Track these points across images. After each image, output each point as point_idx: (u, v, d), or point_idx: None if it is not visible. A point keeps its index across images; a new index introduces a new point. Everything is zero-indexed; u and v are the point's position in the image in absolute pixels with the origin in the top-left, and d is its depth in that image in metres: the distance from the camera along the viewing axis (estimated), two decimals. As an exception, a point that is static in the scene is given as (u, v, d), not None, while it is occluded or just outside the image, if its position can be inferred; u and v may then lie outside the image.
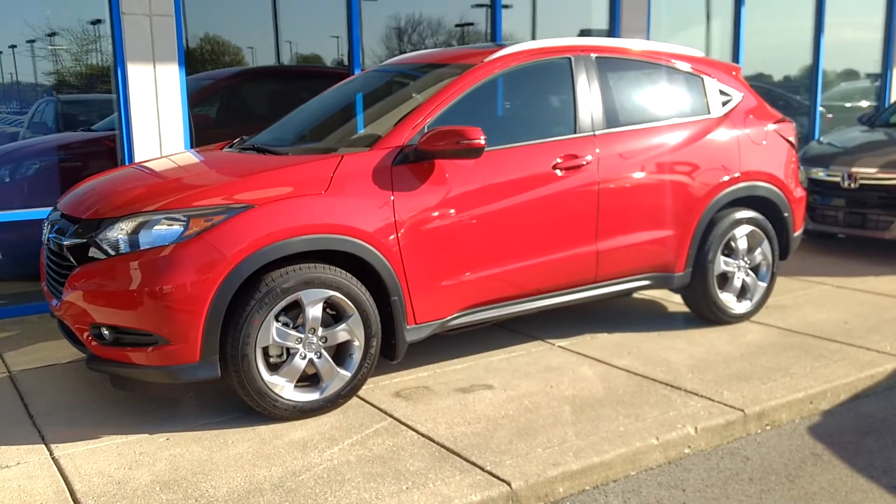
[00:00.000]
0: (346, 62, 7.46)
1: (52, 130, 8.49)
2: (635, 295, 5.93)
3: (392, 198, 4.05)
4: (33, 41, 9.92)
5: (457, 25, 8.63)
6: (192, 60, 6.74)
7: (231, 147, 4.97)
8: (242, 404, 3.94)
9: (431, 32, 8.51)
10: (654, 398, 4.14)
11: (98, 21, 7.69)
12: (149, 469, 3.45)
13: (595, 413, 3.97)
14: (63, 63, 11.03)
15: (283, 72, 8.12)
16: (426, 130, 4.18)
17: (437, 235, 4.18)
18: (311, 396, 3.95)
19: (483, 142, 4.04)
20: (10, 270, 6.82)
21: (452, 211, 4.21)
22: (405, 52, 5.96)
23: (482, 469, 3.39)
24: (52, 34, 9.77)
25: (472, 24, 8.56)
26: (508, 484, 3.28)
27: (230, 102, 7.89)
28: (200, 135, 6.52)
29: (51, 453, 3.62)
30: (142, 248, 3.73)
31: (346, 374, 4.01)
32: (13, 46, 10.51)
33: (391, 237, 4.03)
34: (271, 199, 3.84)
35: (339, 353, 4.04)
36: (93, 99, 9.71)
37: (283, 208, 3.84)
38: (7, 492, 3.27)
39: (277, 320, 3.82)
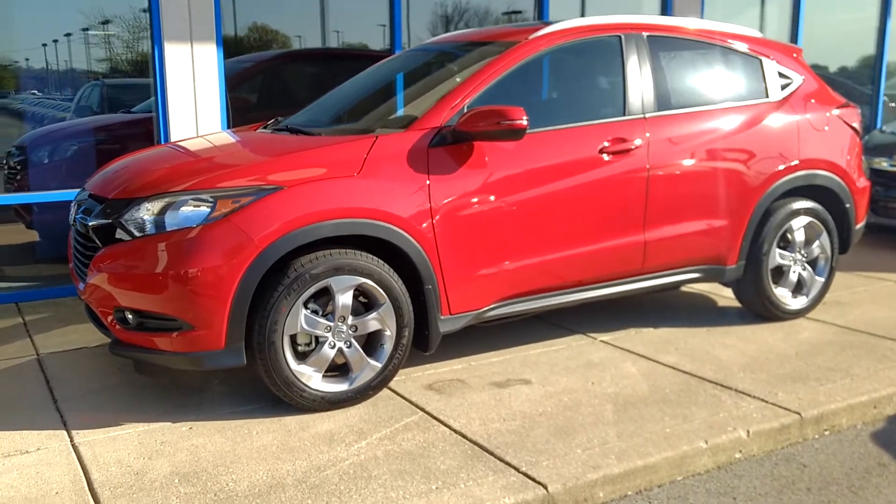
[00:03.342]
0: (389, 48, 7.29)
1: (97, 113, 8.48)
2: (682, 288, 5.66)
3: (428, 181, 3.85)
4: (86, 29, 9.94)
5: (504, 13, 8.42)
6: (228, 45, 6.62)
7: (265, 128, 4.82)
8: (269, 393, 3.79)
9: (478, 20, 8.31)
10: (703, 398, 3.89)
11: (146, 10, 7.63)
12: (169, 459, 3.32)
13: (639, 413, 3.73)
14: (111, 49, 11.04)
15: (324, 54, 7.97)
16: (465, 111, 3.97)
17: (475, 222, 3.97)
18: (339, 387, 3.78)
19: (525, 123, 3.81)
20: (48, 252, 6.79)
21: (491, 196, 4.00)
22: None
23: (517, 470, 3.19)
24: (104, 22, 9.76)
25: (519, 11, 8.34)
26: (545, 487, 3.07)
27: (270, 85, 7.76)
28: (239, 117, 6.40)
29: (71, 440, 3.50)
30: (168, 230, 3.59)
31: (377, 364, 3.84)
32: (68, 35, 10.55)
33: (426, 223, 3.83)
34: (301, 180, 3.67)
35: (370, 343, 3.86)
36: (136, 83, 9.69)
37: (314, 191, 3.66)
38: (25, 478, 3.16)
39: (306, 307, 3.66)
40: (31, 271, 6.58)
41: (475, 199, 3.96)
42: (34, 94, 12.67)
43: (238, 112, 6.53)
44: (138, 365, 3.93)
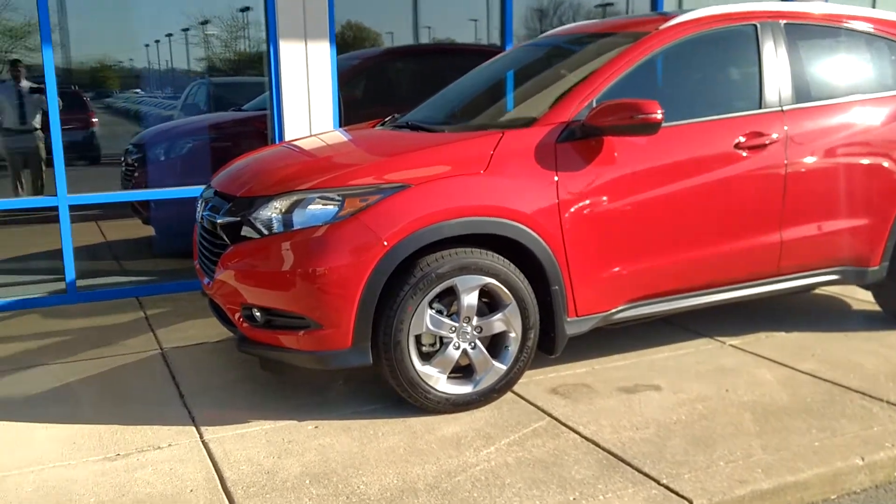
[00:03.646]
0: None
1: (204, 112, 8.67)
2: (813, 291, 5.36)
3: (556, 178, 3.72)
4: (187, 29, 10.17)
5: (596, 6, 8.21)
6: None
7: (383, 125, 4.78)
8: (391, 393, 3.73)
9: (572, 14, 8.13)
10: (851, 410, 3.64)
11: (247, 8, 7.73)
12: (298, 459, 3.30)
13: (781, 424, 3.51)
14: (213, 49, 11.28)
15: (431, 50, 7.92)
16: (595, 105, 3.82)
17: (604, 220, 3.82)
18: (463, 389, 3.70)
19: (661, 117, 3.64)
20: (164, 247, 6.96)
21: (621, 193, 3.84)
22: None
23: (657, 482, 3.03)
24: (205, 21, 9.97)
25: (610, 3, 8.12)
26: (689, 501, 2.91)
27: (377, 81, 7.75)
28: (347, 114, 6.40)
29: (200, 436, 3.53)
30: (295, 228, 3.57)
31: (502, 367, 3.73)
32: (169, 35, 10.84)
33: (554, 221, 3.71)
34: (428, 178, 3.60)
35: (494, 345, 3.76)
36: (242, 81, 9.88)
37: (440, 188, 3.59)
38: (160, 475, 3.19)
39: (431, 307, 3.59)
40: (149, 266, 6.75)
41: (605, 197, 3.81)
42: (136, 92, 13.09)
43: (346, 109, 6.53)
44: (263, 362, 3.94)
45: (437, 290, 3.57)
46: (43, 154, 8.04)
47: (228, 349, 4.55)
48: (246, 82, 9.65)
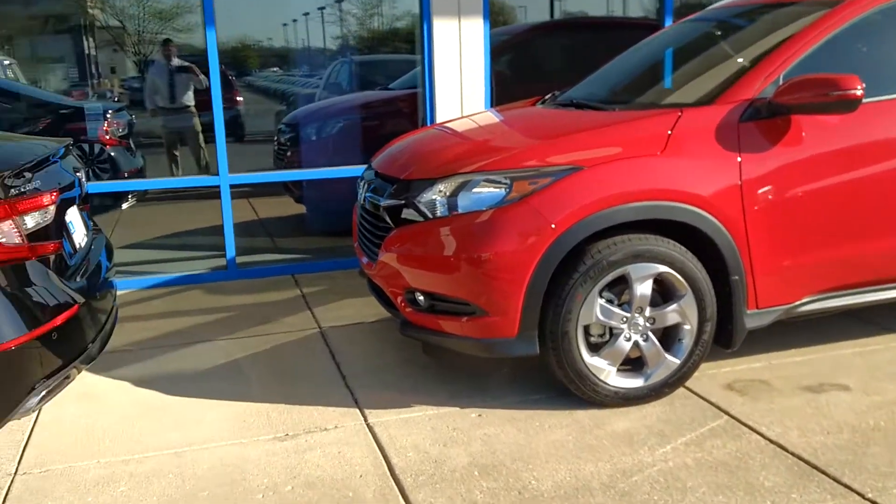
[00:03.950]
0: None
1: (347, 91, 8.75)
2: None
3: (739, 160, 3.46)
4: (323, 8, 10.28)
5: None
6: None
7: (543, 103, 4.61)
8: (554, 383, 3.60)
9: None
10: None
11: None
12: (464, 449, 3.22)
13: None
14: (351, 27, 11.36)
15: (583, 24, 7.67)
16: (781, 81, 3.52)
17: (790, 206, 3.53)
18: (634, 383, 3.52)
19: (861, 93, 3.31)
20: (316, 226, 7.08)
21: (810, 177, 3.54)
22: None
23: (862, 497, 2.77)
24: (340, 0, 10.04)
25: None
26: (899, 520, 2.64)
27: (526, 58, 7.57)
28: (497, 92, 6.27)
29: (365, 419, 3.52)
30: (460, 212, 3.48)
31: (675, 360, 3.53)
32: (306, 14, 11.00)
33: (736, 206, 3.45)
34: (600, 160, 3.42)
35: (666, 337, 3.56)
36: (385, 60, 9.91)
37: (614, 171, 3.40)
38: (328, 458, 3.19)
39: (601, 296, 3.42)
40: (302, 244, 6.88)
41: (791, 181, 3.51)
42: (275, 71, 13.42)
43: (496, 86, 6.40)
44: (425, 346, 3.89)
45: (609, 278, 3.40)
46: (196, 132, 8.35)
47: (386, 330, 4.55)
48: (389, 60, 9.68)
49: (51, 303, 2.88)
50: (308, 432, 3.41)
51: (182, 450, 3.30)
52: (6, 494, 3.00)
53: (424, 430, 3.39)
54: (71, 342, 3.00)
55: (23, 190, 2.88)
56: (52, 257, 2.99)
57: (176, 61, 8.23)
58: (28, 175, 2.98)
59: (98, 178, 7.69)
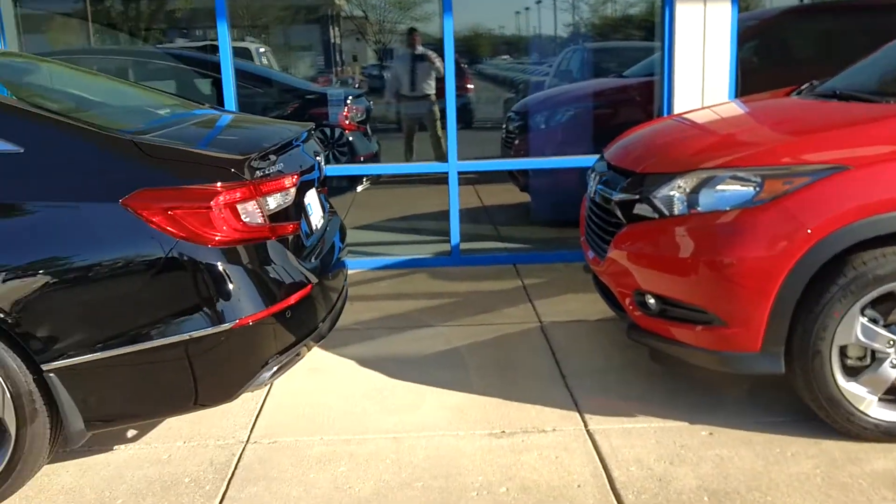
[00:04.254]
0: None
1: (577, 78, 8.53)
2: None
3: None
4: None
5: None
6: None
7: (799, 94, 4.17)
8: (799, 406, 3.24)
9: None
10: None
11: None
12: (693, 469, 2.97)
13: None
14: (584, 14, 11.09)
15: (845, 7, 6.92)
16: None
17: None
18: (898, 416, 3.08)
19: None
20: (540, 215, 6.96)
21: None
22: None
23: None
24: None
25: None
26: None
27: (777, 45, 6.96)
28: (742, 82, 5.79)
29: (584, 424, 3.35)
30: (701, 210, 3.20)
31: (951, 395, 3.04)
32: (539, 1, 10.87)
33: None
34: (871, 159, 3.00)
35: (939, 366, 3.08)
36: (618, 47, 9.58)
37: (888, 172, 2.97)
38: (545, 461, 3.06)
39: (863, 315, 3.01)
40: (525, 233, 6.80)
41: None
42: (505, 59, 13.38)
43: (741, 76, 5.92)
44: (652, 352, 3.66)
45: (874, 294, 2.98)
46: (434, 119, 8.51)
47: (610, 330, 4.34)
48: (622, 47, 9.34)
49: (287, 281, 2.98)
50: (525, 432, 3.30)
51: (400, 435, 3.32)
52: (237, 462, 3.15)
53: (648, 444, 3.16)
54: (303, 320, 3.09)
55: (267, 172, 2.99)
56: (290, 238, 3.09)
57: (420, 50, 8.43)
58: (272, 158, 3.09)
59: (337, 161, 8.07)
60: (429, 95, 8.44)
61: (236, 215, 2.82)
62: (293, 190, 3.13)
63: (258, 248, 2.90)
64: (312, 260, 3.27)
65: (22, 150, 2.72)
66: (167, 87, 7.52)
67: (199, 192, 2.75)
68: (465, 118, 9.65)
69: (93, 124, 2.85)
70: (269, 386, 3.79)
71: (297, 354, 3.10)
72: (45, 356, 2.67)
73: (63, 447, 2.91)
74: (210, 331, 2.75)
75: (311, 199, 3.53)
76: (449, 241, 5.85)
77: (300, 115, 7.92)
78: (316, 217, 3.55)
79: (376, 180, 8.17)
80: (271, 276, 2.92)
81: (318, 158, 3.62)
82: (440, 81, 7.85)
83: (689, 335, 3.27)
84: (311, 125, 3.88)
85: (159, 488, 2.98)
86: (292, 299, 2.97)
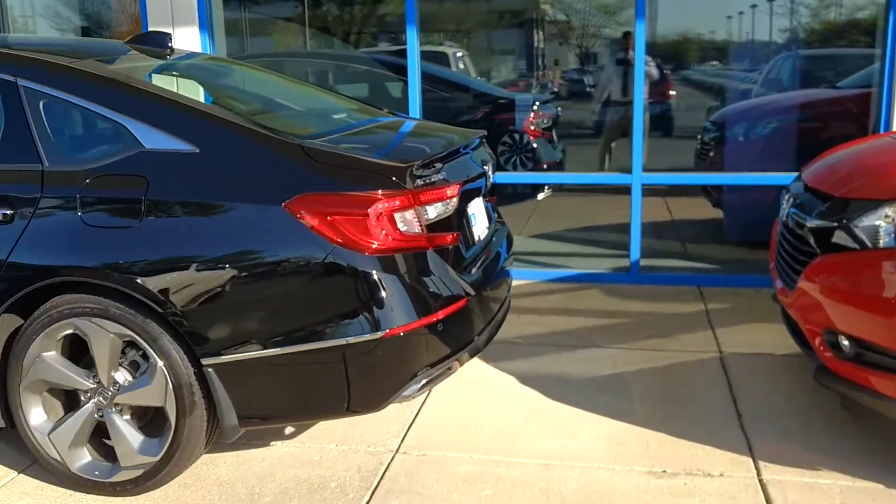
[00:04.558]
0: None
1: (787, 88, 7.89)
2: None
3: None
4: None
5: None
6: None
7: None
8: None
9: None
10: None
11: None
12: (882, 541, 2.58)
13: None
14: (801, 19, 10.27)
15: None
16: None
17: None
18: None
19: None
20: (733, 235, 6.49)
21: None
22: None
23: None
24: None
25: None
26: None
27: None
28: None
29: (758, 473, 3.02)
30: (912, 244, 2.79)
31: None
32: (753, 6, 10.18)
33: None
34: None
35: None
36: (834, 54, 8.77)
37: None
38: (706, 510, 2.79)
39: None
40: (714, 253, 6.36)
41: None
42: (713, 65, 12.65)
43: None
44: (844, 399, 3.25)
45: None
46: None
47: (798, 368, 3.93)
48: (840, 55, 8.55)
49: (441, 293, 2.90)
50: (689, 474, 3.03)
51: (552, 462, 3.15)
52: (384, 472, 3.11)
53: (830, 504, 2.80)
54: (456, 333, 3.00)
55: (429, 181, 2.92)
56: (448, 248, 3.00)
57: (632, 54, 8.16)
58: (437, 166, 3.03)
59: (523, 166, 7.96)
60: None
61: (393, 224, 2.77)
62: (455, 199, 3.05)
63: (414, 258, 2.84)
64: (472, 271, 3.17)
65: (197, 151, 2.82)
66: (363, 91, 7.76)
67: (357, 198, 2.73)
68: (664, 126, 9.23)
69: (265, 127, 2.91)
70: (426, 394, 3.75)
71: (449, 368, 3.02)
72: (204, 351, 2.76)
73: (219, 440, 2.99)
74: (360, 339, 2.72)
75: (476, 208, 3.44)
76: (628, 257, 5.58)
77: (486, 119, 7.89)
78: (480, 227, 3.46)
79: (559, 188, 7.98)
80: (425, 286, 2.85)
81: (484, 167, 3.52)
82: (653, 86, 7.54)
83: (890, 386, 2.86)
84: (483, 132, 3.80)
85: (306, 490, 3.00)
86: (446, 312, 2.89)
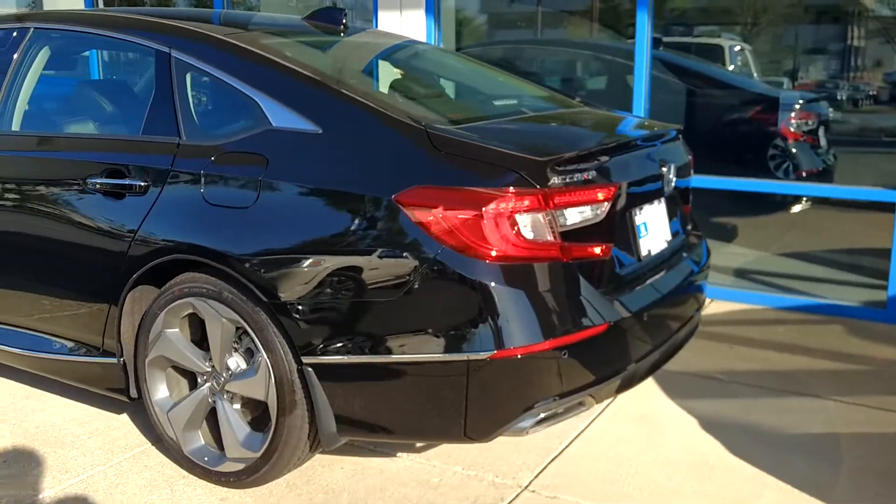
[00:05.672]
0: None
1: None
2: None
3: None
4: None
5: None
6: None
7: None
8: None
9: None
10: None
11: None
12: None
13: None
14: None
15: None
16: None
17: None
18: None
19: None
20: None
21: None
22: None
23: None
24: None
25: None
26: None
27: None
28: None
29: None
30: None
31: None
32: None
33: None
34: None
35: None
36: None
37: None
38: None
39: None
40: None
41: None
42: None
43: None
44: None
45: None
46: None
47: None
48: None
49: (571, 316, 2.44)
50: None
51: (705, 535, 2.55)
52: (498, 510, 2.72)
53: None
54: (593, 364, 2.52)
55: (572, 179, 2.46)
56: (591, 262, 2.52)
57: None
58: (593, 162, 2.55)
59: (783, 172, 6.96)
60: None
61: (516, 228, 2.36)
62: (607, 204, 2.56)
63: (541, 270, 2.40)
64: (626, 292, 2.65)
65: (320, 132, 2.60)
66: (599, 84, 7.24)
67: (473, 195, 2.35)
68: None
69: (393, 108, 2.62)
70: (585, 425, 3.28)
71: (580, 404, 2.55)
72: (305, 349, 2.54)
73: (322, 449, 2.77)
74: (461, 357, 2.35)
75: (651, 216, 2.90)
76: (886, 289, 4.59)
77: (734, 118, 6.97)
78: (654, 239, 2.91)
79: (819, 201, 6.87)
80: (552, 305, 2.41)
81: (662, 168, 2.95)
82: None
83: None
84: (678, 127, 3.22)
85: (410, 515, 2.70)
86: (575, 338, 2.42)
